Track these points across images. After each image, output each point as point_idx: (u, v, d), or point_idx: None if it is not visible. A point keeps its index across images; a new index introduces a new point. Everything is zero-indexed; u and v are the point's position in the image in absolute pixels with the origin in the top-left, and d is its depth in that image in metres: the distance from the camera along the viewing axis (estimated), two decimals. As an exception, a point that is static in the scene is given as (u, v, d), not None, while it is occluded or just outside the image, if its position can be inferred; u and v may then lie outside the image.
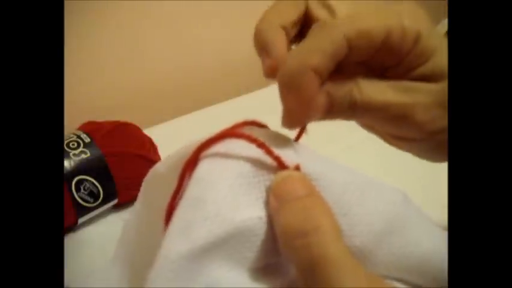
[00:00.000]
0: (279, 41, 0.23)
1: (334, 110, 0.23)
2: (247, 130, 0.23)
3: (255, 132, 0.23)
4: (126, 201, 0.46)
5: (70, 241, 0.43)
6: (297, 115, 0.22)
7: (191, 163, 0.21)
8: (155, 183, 0.25)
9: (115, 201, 0.45)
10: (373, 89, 0.23)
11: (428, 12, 0.23)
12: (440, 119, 0.22)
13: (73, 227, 0.43)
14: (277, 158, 0.21)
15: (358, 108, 0.23)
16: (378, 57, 0.23)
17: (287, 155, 0.21)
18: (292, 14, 0.24)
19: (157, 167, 0.25)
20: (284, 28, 0.24)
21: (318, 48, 0.21)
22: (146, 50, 0.64)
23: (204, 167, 0.21)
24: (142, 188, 0.27)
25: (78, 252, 0.42)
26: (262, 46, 0.23)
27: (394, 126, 0.23)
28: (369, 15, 0.22)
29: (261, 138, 0.22)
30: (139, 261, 0.26)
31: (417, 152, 0.25)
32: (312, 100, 0.21)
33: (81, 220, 0.43)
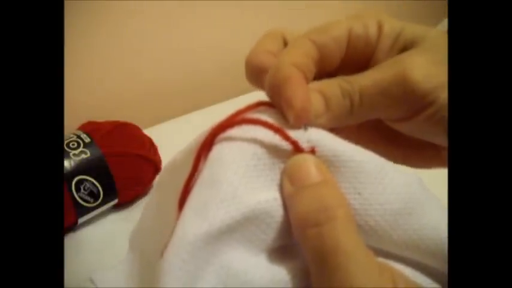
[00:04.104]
0: (270, 62, 0.24)
1: (331, 105, 0.23)
2: (262, 112, 0.23)
3: (270, 113, 0.23)
4: (126, 201, 0.46)
5: (70, 241, 0.43)
6: (294, 105, 0.22)
7: (206, 146, 0.21)
8: (171, 171, 0.25)
9: (115, 201, 0.45)
10: (360, 77, 0.23)
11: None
12: (435, 75, 0.22)
13: (73, 227, 0.43)
14: (294, 143, 0.21)
15: (355, 99, 0.23)
16: (354, 55, 0.24)
17: (303, 135, 0.21)
18: (275, 44, 0.26)
19: (175, 156, 0.25)
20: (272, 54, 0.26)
21: (291, 51, 0.23)
22: (146, 50, 0.64)
23: (219, 149, 0.21)
24: (158, 178, 0.27)
25: (78, 252, 0.42)
26: (256, 70, 0.25)
27: (395, 101, 0.23)
28: (332, 23, 0.24)
29: (277, 120, 0.22)
30: (151, 248, 0.26)
31: (419, 130, 0.25)
32: (302, 87, 0.22)
33: (81, 220, 0.43)
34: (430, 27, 0.25)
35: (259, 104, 0.23)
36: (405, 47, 0.24)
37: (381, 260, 0.20)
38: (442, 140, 0.25)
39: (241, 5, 0.70)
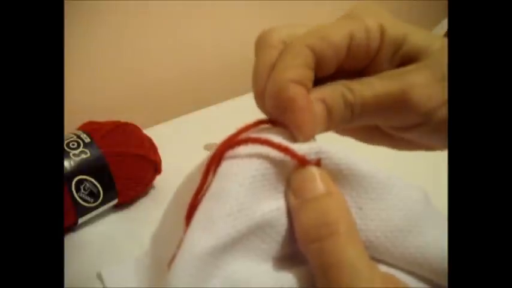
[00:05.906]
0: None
1: (333, 116, 0.23)
2: (266, 129, 0.23)
3: (274, 130, 0.22)
4: (126, 201, 0.46)
5: (70, 241, 0.43)
6: (303, 126, 0.22)
7: (213, 163, 0.22)
8: (186, 183, 0.25)
9: (115, 201, 0.45)
10: (363, 87, 0.23)
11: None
12: (436, 94, 0.23)
13: (73, 227, 0.43)
14: (301, 159, 0.21)
15: (356, 109, 0.23)
16: (352, 62, 0.24)
17: (309, 147, 0.21)
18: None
19: (193, 169, 0.25)
20: None
21: (288, 64, 0.22)
22: (146, 50, 0.64)
23: (227, 164, 0.22)
24: (178, 186, 0.27)
25: (78, 252, 0.42)
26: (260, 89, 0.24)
27: (393, 116, 0.23)
28: (330, 25, 0.23)
29: (282, 134, 0.22)
30: (163, 255, 0.27)
31: (418, 139, 0.25)
32: (309, 108, 0.22)
33: (81, 220, 0.43)
34: (434, 35, 0.24)
35: (260, 122, 0.23)
36: (408, 57, 0.24)
37: (384, 269, 0.20)
38: (433, 145, 0.25)
39: (242, 5, 0.69)
